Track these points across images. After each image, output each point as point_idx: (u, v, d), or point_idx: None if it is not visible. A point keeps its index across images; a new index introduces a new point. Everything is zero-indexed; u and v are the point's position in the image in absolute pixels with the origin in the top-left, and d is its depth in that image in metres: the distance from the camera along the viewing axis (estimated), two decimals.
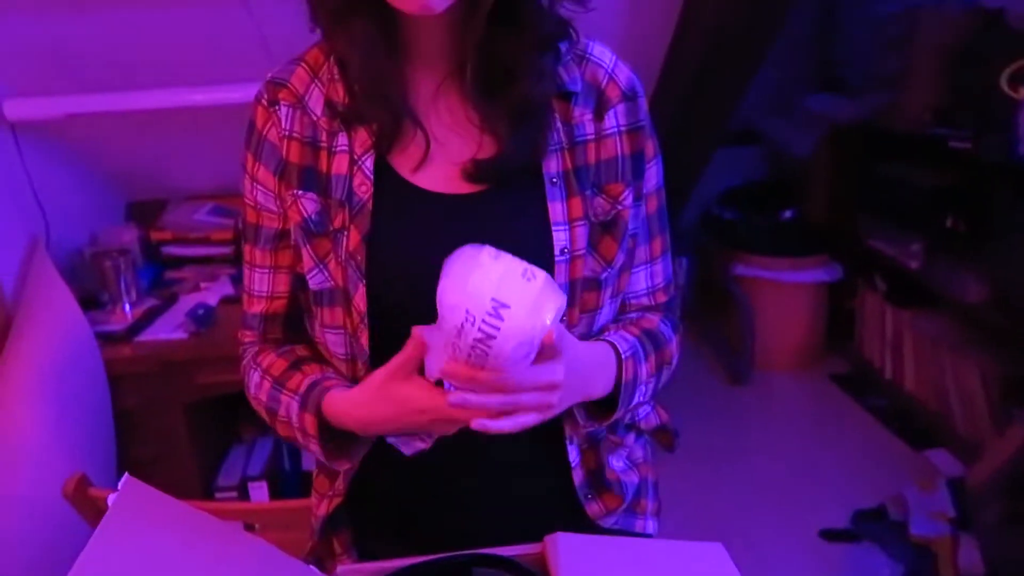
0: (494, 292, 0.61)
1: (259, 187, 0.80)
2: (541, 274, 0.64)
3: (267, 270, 0.84)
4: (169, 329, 1.79)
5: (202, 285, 2.02)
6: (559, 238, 0.76)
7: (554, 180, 0.77)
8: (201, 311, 1.80)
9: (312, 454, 0.81)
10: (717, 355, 2.92)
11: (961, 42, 2.08)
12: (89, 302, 1.86)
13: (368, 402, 0.72)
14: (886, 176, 2.46)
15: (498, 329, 0.61)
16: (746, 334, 2.74)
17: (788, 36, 2.66)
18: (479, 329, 0.61)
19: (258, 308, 0.85)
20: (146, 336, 1.78)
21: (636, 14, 1.72)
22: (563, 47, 0.78)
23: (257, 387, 0.83)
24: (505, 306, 0.61)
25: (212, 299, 1.90)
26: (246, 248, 0.85)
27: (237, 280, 2.03)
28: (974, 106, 2.02)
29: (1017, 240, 1.92)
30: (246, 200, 0.83)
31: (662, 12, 1.74)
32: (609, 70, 0.80)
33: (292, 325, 0.86)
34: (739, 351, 2.80)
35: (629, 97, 0.81)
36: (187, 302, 1.91)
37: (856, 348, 2.77)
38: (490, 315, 0.61)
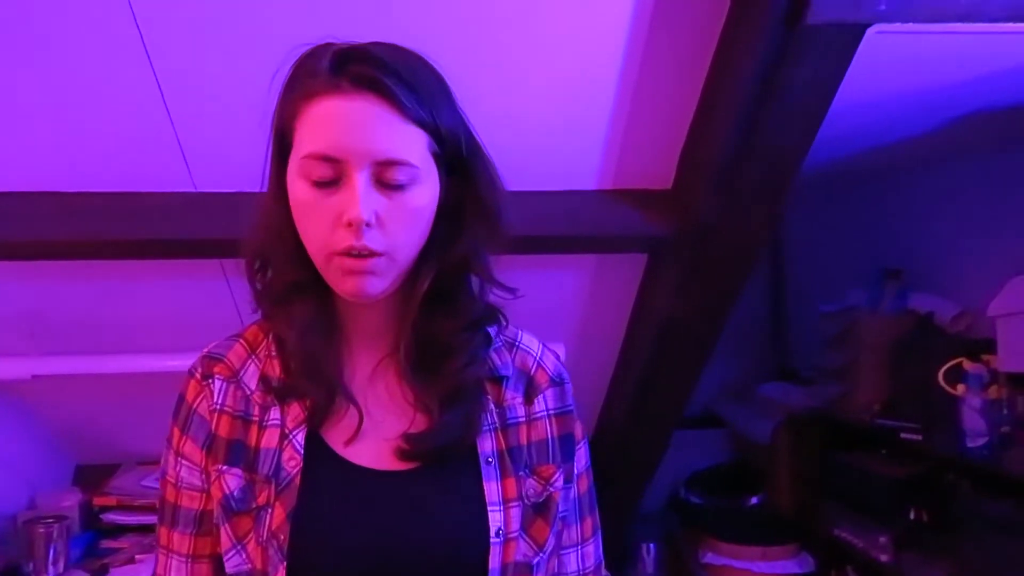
0: None
1: (184, 462, 0.79)
2: None
3: (184, 559, 0.80)
4: None
5: (137, 557, 1.90)
6: (495, 519, 0.75)
7: (489, 459, 0.78)
8: None
9: None
10: None
11: (897, 341, 2.22)
12: (14, 572, 1.74)
13: None
14: (845, 465, 2.47)
15: None
16: None
17: (744, 326, 2.85)
18: None
19: None
20: None
21: (593, 307, 1.85)
22: (493, 333, 0.83)
23: None
24: None
25: (144, 574, 1.79)
26: (162, 531, 0.81)
27: None
28: (918, 400, 2.10)
29: (981, 535, 1.89)
30: (168, 476, 0.81)
31: (617, 304, 1.87)
32: (537, 358, 0.86)
33: None
34: None
35: (557, 383, 0.85)
36: None
37: None
38: None
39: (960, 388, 1.90)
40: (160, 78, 1.27)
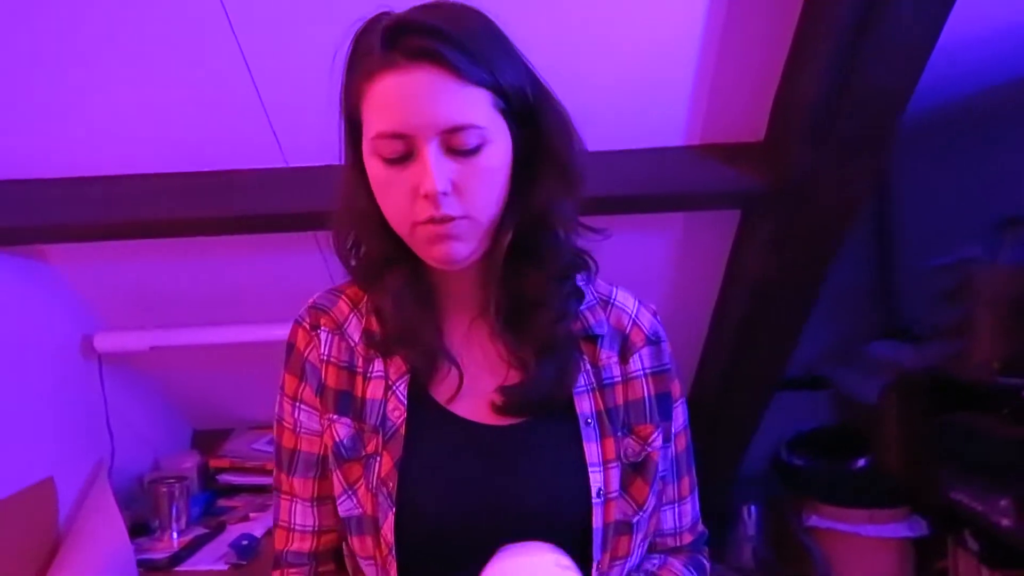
0: None
1: (303, 407, 0.82)
2: None
3: (309, 503, 0.83)
4: (211, 560, 1.77)
5: (251, 515, 2.02)
6: (595, 479, 0.76)
7: (588, 420, 0.78)
8: (245, 542, 1.78)
9: None
10: None
11: (1018, 294, 2.07)
12: (142, 528, 1.88)
13: None
14: (961, 425, 2.34)
15: None
16: None
17: (848, 283, 2.72)
18: None
19: (305, 545, 0.83)
20: (187, 566, 1.75)
21: (684, 266, 1.81)
22: (583, 285, 0.82)
23: None
24: None
25: (258, 530, 1.89)
26: (282, 477, 0.84)
27: None
28: None
29: None
30: (284, 423, 0.83)
31: (709, 263, 1.82)
32: (633, 315, 0.84)
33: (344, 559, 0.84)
34: None
35: (653, 341, 0.84)
36: (234, 531, 1.90)
37: None
38: None
39: None
40: (247, 55, 1.30)
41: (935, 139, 2.51)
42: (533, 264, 0.78)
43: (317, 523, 0.83)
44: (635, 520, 0.78)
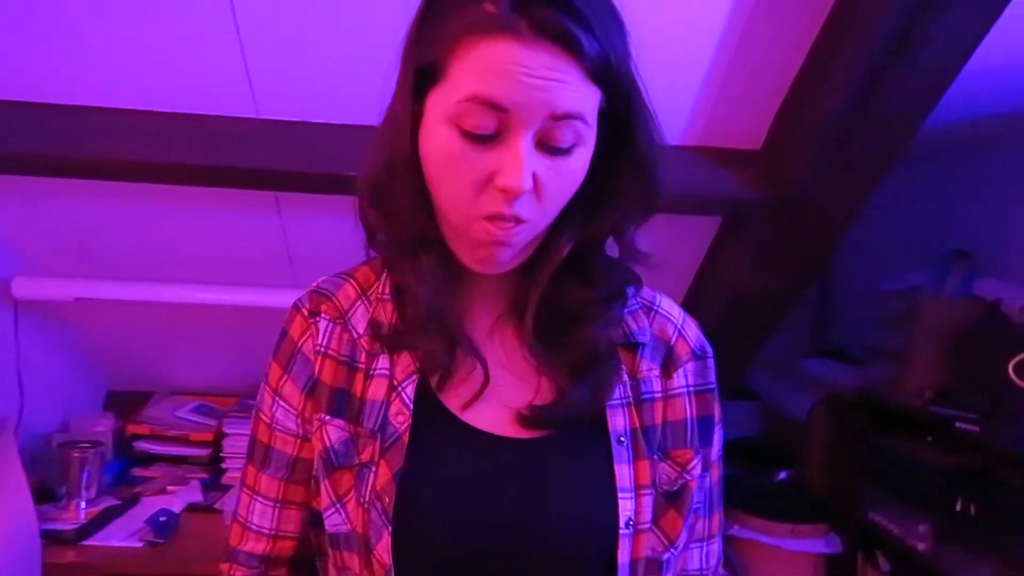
0: None
1: (281, 403, 0.73)
2: None
3: (272, 504, 0.74)
4: (124, 535, 1.63)
5: (169, 488, 1.88)
6: (624, 507, 0.67)
7: (621, 439, 0.69)
8: (163, 518, 1.65)
9: None
10: None
11: (962, 328, 2.13)
12: (47, 493, 1.71)
13: None
14: (888, 449, 2.41)
15: None
16: None
17: None
18: None
19: (259, 547, 0.75)
20: (96, 540, 1.61)
21: (651, 271, 1.77)
22: (630, 293, 0.74)
23: None
24: None
25: (177, 506, 1.76)
26: (249, 470, 0.76)
27: (208, 487, 1.89)
28: (979, 391, 2.02)
29: None
30: (261, 415, 0.75)
31: (679, 270, 1.79)
32: (679, 326, 0.76)
33: (299, 570, 0.76)
34: None
35: (699, 356, 0.76)
36: (149, 505, 1.76)
37: None
38: None
39: None
40: None
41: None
42: (580, 281, 0.69)
43: (275, 527, 0.75)
44: (665, 557, 0.70)
